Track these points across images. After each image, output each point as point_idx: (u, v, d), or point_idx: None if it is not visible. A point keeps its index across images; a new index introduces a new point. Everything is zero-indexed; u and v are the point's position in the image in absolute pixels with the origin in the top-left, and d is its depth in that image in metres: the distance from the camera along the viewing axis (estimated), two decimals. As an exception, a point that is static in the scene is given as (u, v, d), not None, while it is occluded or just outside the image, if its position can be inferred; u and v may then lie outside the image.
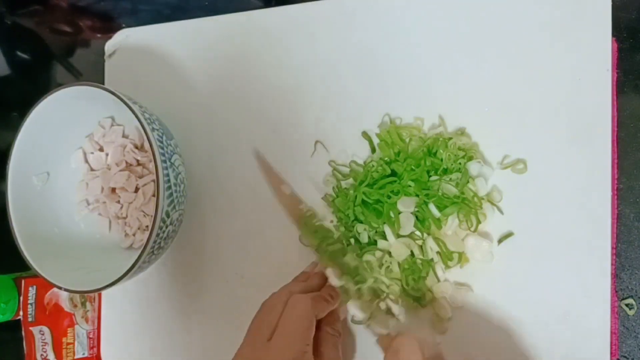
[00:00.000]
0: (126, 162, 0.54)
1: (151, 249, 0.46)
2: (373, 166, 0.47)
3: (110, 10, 0.63)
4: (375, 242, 0.46)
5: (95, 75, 0.60)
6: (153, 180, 0.53)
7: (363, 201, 0.46)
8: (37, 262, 0.49)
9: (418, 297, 0.46)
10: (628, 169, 0.43)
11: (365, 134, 0.49)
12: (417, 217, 0.45)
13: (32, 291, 0.56)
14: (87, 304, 0.58)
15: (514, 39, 0.46)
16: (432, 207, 0.44)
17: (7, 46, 0.68)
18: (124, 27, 0.60)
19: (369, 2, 0.50)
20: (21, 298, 0.56)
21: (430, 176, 0.45)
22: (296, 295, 0.41)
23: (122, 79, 0.60)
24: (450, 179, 0.44)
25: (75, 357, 0.57)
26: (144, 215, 0.53)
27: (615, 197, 0.43)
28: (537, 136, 0.45)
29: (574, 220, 0.43)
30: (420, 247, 0.45)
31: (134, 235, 0.54)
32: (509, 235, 0.45)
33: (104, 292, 0.59)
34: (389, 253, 0.45)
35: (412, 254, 0.45)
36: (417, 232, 0.45)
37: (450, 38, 0.48)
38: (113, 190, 0.55)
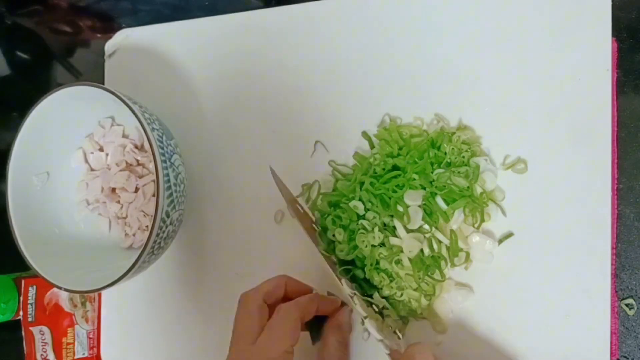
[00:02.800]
0: (126, 162, 0.54)
1: (151, 249, 0.46)
2: (376, 159, 0.47)
3: (110, 10, 0.63)
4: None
5: (95, 75, 0.60)
6: (153, 180, 0.53)
7: (368, 190, 0.46)
8: (37, 262, 0.49)
9: (412, 310, 0.46)
10: (628, 169, 0.43)
11: (365, 134, 0.49)
12: (424, 210, 0.45)
13: (32, 291, 0.56)
14: (87, 304, 0.58)
15: (514, 39, 0.46)
16: (440, 200, 0.44)
17: (7, 46, 0.68)
18: (124, 27, 0.60)
19: (369, 2, 0.50)
20: (21, 298, 0.56)
21: (433, 169, 0.45)
22: (283, 305, 0.42)
23: (122, 79, 0.60)
24: (459, 171, 0.44)
25: (75, 357, 0.57)
26: (144, 215, 0.53)
27: (615, 197, 0.43)
28: (537, 136, 0.45)
29: (574, 220, 0.43)
30: (430, 240, 0.44)
31: (134, 235, 0.54)
32: (509, 235, 0.45)
33: (104, 292, 0.59)
34: (401, 249, 0.45)
35: (422, 251, 0.45)
36: (426, 226, 0.45)
37: (450, 38, 0.48)
38: (113, 190, 0.55)
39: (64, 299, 0.57)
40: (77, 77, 0.64)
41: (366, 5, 0.50)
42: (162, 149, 0.46)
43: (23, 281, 0.56)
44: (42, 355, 0.56)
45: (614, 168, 0.43)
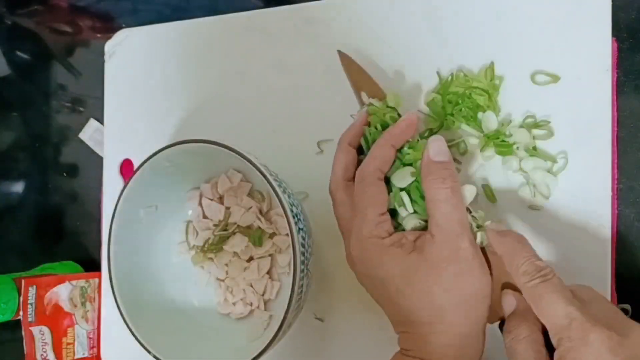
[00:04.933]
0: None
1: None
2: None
3: (110, 10, 0.63)
4: None
5: (95, 75, 0.60)
6: (270, 255, 0.50)
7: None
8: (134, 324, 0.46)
9: None
10: (628, 169, 0.43)
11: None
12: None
13: (32, 291, 0.56)
14: (87, 304, 0.58)
15: (513, 39, 0.46)
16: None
17: (7, 46, 0.68)
18: (124, 27, 0.60)
19: (368, 2, 0.50)
20: (21, 298, 0.56)
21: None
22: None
23: (122, 79, 0.60)
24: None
25: (75, 357, 0.57)
26: (253, 293, 0.49)
27: (615, 197, 0.43)
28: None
29: (574, 220, 0.43)
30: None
31: (234, 304, 0.50)
32: (509, 235, 0.45)
33: (103, 292, 0.59)
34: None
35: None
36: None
37: (450, 39, 0.48)
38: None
39: (64, 299, 0.57)
40: (77, 77, 0.64)
41: (366, 6, 0.50)
42: (304, 255, 0.39)
43: (23, 281, 0.56)
44: (42, 355, 0.56)
45: (614, 168, 0.43)
